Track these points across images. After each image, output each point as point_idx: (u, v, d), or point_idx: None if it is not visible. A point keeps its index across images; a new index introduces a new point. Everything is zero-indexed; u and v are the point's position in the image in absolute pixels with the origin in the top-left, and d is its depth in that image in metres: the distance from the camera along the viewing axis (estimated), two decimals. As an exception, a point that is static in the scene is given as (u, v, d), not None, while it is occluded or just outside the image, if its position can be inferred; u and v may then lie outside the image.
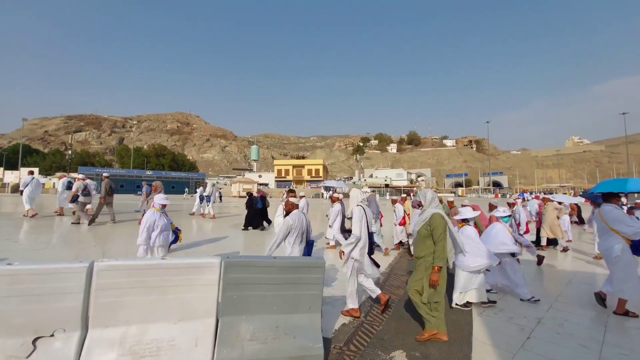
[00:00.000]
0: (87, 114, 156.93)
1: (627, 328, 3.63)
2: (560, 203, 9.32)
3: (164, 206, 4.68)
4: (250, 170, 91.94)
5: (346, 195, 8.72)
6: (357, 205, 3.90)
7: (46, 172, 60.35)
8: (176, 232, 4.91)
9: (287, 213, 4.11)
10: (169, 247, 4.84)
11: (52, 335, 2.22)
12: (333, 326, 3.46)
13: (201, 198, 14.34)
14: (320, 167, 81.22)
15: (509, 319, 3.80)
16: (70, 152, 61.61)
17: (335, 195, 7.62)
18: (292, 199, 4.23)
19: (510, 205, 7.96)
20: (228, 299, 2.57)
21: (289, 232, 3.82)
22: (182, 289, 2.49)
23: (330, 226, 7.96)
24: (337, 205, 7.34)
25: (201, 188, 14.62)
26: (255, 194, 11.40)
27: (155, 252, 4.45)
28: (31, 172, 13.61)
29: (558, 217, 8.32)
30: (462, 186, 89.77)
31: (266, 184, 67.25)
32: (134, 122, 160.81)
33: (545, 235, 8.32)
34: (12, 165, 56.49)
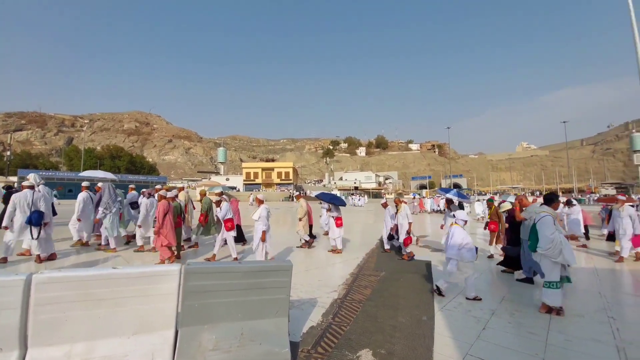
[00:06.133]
0: (29, 112, 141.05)
1: (569, 316, 4.01)
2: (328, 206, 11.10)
3: None
4: (217, 173, 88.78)
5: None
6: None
7: (-22, 175, 53.27)
8: None
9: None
10: None
11: (-17, 358, 1.97)
12: (301, 330, 3.43)
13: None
14: (290, 170, 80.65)
15: (467, 312, 4.04)
16: (9, 153, 55.33)
17: (387, 199, 7.03)
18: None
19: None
20: (188, 308, 2.44)
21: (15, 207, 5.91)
22: (137, 300, 2.32)
23: (393, 236, 7.30)
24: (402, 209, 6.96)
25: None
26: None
27: None
28: None
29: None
30: (426, 188, 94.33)
31: (234, 187, 65.37)
32: (85, 121, 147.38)
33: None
34: None
